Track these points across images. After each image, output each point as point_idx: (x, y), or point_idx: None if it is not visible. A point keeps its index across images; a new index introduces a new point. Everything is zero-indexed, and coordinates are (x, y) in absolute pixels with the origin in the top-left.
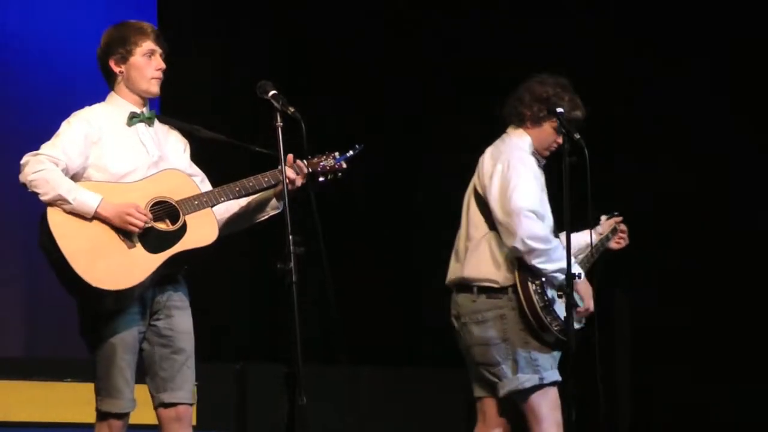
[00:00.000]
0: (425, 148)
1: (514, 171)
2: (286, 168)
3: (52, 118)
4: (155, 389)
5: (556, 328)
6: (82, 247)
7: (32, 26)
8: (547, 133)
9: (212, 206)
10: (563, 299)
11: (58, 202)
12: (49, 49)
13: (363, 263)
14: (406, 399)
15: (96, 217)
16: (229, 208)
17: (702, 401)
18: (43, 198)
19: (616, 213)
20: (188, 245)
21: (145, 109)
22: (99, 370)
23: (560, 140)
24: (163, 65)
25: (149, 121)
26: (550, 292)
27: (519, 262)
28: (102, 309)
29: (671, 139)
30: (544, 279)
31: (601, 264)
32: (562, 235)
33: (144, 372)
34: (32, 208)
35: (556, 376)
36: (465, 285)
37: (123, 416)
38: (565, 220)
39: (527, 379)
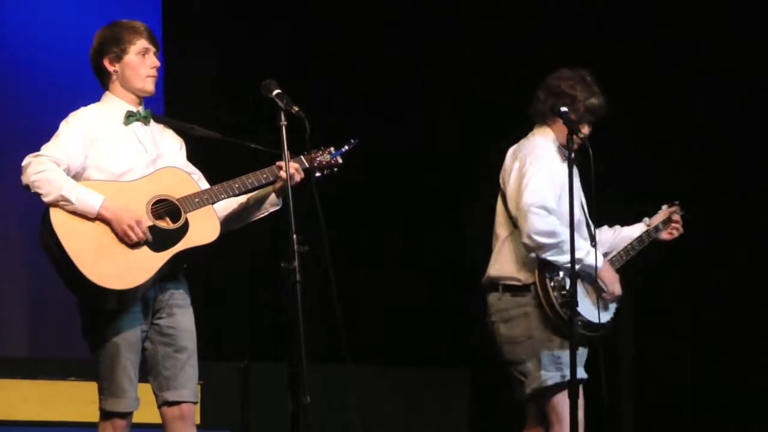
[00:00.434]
0: (436, 145)
1: (528, 168)
2: (284, 164)
3: (53, 118)
4: (158, 388)
5: (579, 324)
6: (86, 247)
7: (35, 25)
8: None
9: (213, 203)
10: (588, 295)
11: (61, 202)
12: (52, 49)
13: (367, 262)
14: (410, 398)
15: (98, 216)
16: (229, 205)
17: (704, 400)
18: (45, 199)
19: (676, 202)
20: (191, 243)
21: (140, 108)
22: (102, 369)
23: (585, 130)
24: (157, 63)
25: (145, 120)
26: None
27: (539, 259)
28: (105, 308)
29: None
30: (562, 274)
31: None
32: (604, 229)
33: (147, 371)
34: (34, 208)
35: (580, 374)
36: (493, 284)
37: (127, 415)
38: (569, 219)
39: (550, 377)
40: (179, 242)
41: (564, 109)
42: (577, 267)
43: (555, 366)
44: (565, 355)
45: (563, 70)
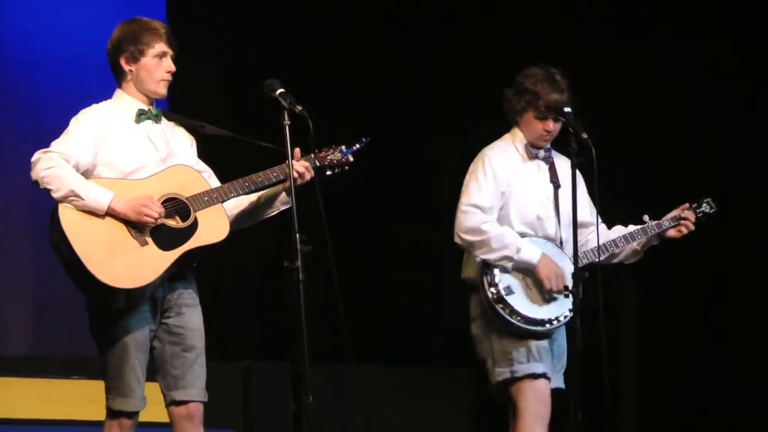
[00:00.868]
0: (438, 145)
1: (471, 170)
2: (296, 163)
3: (56, 117)
4: (166, 387)
5: (516, 320)
6: (95, 246)
7: (38, 24)
8: (532, 122)
9: (222, 202)
10: (529, 289)
11: (70, 198)
12: (55, 48)
13: (370, 261)
14: (413, 398)
15: (109, 213)
16: (239, 203)
17: (708, 400)
18: (55, 195)
19: (696, 206)
20: (200, 242)
21: (152, 107)
22: (110, 368)
23: (549, 126)
24: (173, 68)
25: (156, 118)
26: (505, 283)
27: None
28: (113, 308)
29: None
30: (496, 271)
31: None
32: (602, 229)
33: (155, 370)
34: (39, 206)
35: (533, 368)
36: (465, 286)
37: (134, 415)
38: (572, 219)
39: (500, 373)
40: (188, 241)
41: (567, 109)
42: (509, 264)
43: (506, 362)
44: (516, 351)
45: (532, 68)
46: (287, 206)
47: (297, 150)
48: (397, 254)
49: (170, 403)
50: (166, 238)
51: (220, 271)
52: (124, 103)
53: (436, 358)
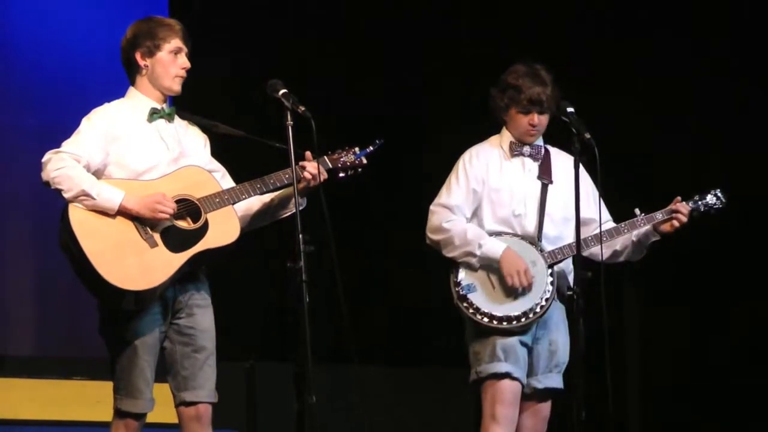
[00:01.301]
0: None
1: (452, 172)
2: (308, 164)
3: (64, 115)
4: (176, 388)
5: (480, 318)
6: (104, 247)
7: (42, 23)
8: (516, 117)
9: (233, 204)
10: (493, 286)
11: (81, 197)
12: (59, 47)
13: (372, 262)
14: (416, 398)
15: (120, 212)
16: (252, 204)
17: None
18: (66, 195)
19: (713, 192)
20: (210, 244)
21: (165, 105)
22: (119, 370)
23: (534, 120)
24: (188, 64)
25: (169, 117)
26: (468, 281)
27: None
28: (123, 309)
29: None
30: (461, 269)
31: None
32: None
33: (165, 370)
34: (43, 207)
35: (497, 368)
36: None
37: (141, 416)
38: (575, 218)
39: (470, 374)
40: (198, 243)
41: (570, 109)
42: (473, 260)
43: (475, 361)
44: (483, 350)
45: (516, 65)
46: (300, 207)
47: (308, 153)
48: (399, 255)
49: (180, 404)
50: (176, 240)
51: (222, 272)
52: (137, 102)
53: (438, 358)
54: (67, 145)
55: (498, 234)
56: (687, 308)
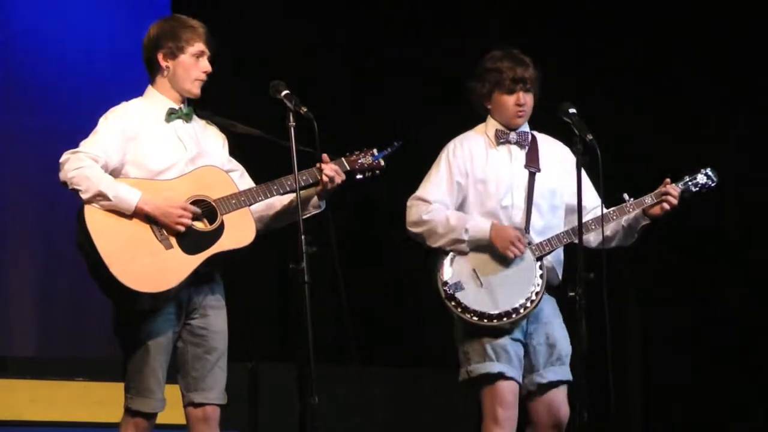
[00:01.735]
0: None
1: (435, 164)
2: (326, 166)
3: (66, 115)
4: (186, 388)
5: (469, 317)
6: (119, 248)
7: (47, 23)
8: (502, 100)
9: (250, 205)
10: (479, 283)
11: (98, 198)
12: (61, 47)
13: (375, 262)
14: (418, 399)
15: (136, 213)
16: (271, 205)
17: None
18: (83, 195)
19: (704, 171)
20: (225, 246)
21: (183, 106)
22: (131, 368)
23: (520, 99)
24: (209, 68)
25: (187, 117)
26: (455, 279)
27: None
28: (137, 309)
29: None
30: (445, 266)
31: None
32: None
33: (176, 370)
34: (46, 208)
35: (488, 368)
36: None
37: (151, 416)
38: (578, 220)
39: (461, 373)
40: (213, 245)
41: (572, 110)
42: (462, 245)
43: (465, 360)
44: (472, 349)
45: (491, 52)
46: (319, 210)
47: (325, 155)
48: (400, 255)
49: (188, 404)
50: (191, 242)
51: (224, 272)
52: (156, 101)
53: (439, 358)
54: (84, 144)
55: None
56: (688, 308)
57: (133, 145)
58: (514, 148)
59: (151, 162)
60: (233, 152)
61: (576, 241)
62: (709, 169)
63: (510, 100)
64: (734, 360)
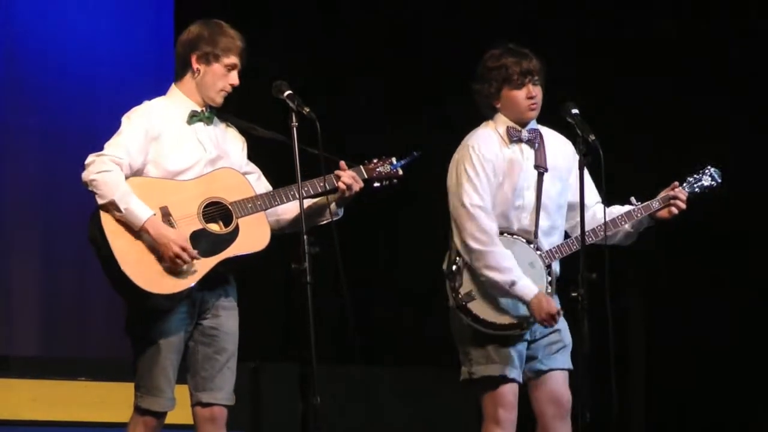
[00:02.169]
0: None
1: (460, 164)
2: (343, 174)
3: (68, 116)
4: (194, 387)
5: (480, 326)
6: (132, 247)
7: (49, 23)
8: (512, 96)
9: (266, 209)
10: (489, 296)
11: (110, 206)
12: (63, 47)
13: (377, 262)
14: (421, 398)
15: (142, 230)
16: (289, 209)
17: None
18: (99, 200)
19: (707, 171)
20: (239, 250)
21: (204, 109)
22: (141, 367)
23: (531, 91)
24: (237, 82)
25: (208, 120)
26: (467, 289)
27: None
28: (149, 307)
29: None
30: (458, 275)
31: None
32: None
33: (186, 369)
34: (49, 208)
35: (492, 371)
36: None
37: (161, 415)
38: (580, 223)
39: (462, 373)
40: (228, 248)
41: (575, 110)
42: (503, 290)
43: (467, 361)
44: (475, 352)
45: (489, 51)
46: (336, 217)
47: (342, 162)
48: (402, 255)
49: (196, 404)
50: (206, 244)
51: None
52: (178, 102)
53: (440, 358)
54: (109, 147)
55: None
56: (689, 308)
57: (155, 144)
58: (525, 147)
59: (170, 162)
60: (251, 155)
61: (595, 241)
62: (713, 169)
63: (521, 94)
64: (737, 361)
